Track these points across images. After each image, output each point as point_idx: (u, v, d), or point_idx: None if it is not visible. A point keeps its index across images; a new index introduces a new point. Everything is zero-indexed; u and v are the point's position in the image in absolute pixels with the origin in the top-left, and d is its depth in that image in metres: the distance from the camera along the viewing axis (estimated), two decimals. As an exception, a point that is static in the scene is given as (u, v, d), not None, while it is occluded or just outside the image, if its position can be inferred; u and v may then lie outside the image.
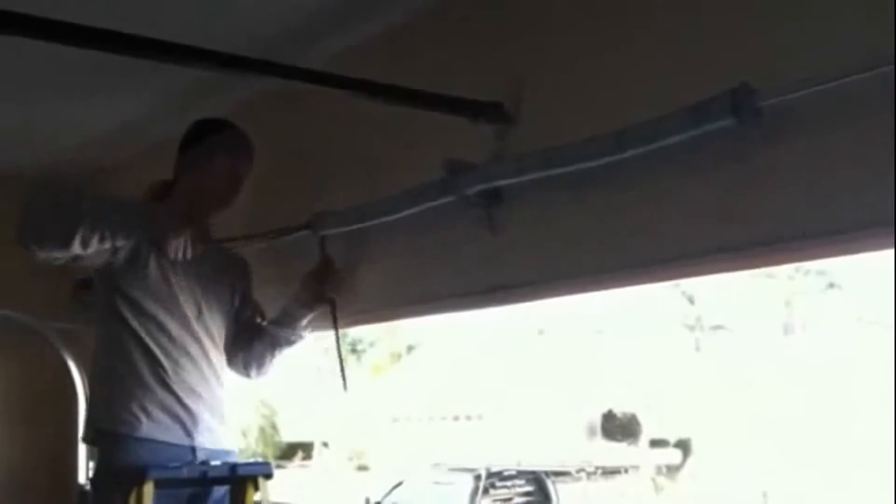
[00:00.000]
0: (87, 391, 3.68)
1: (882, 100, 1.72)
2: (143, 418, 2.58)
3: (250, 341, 2.87)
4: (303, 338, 2.88)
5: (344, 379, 2.93)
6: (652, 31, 2.18)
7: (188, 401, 2.64)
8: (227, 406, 2.79)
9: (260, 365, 2.88)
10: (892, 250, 1.83)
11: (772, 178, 1.94)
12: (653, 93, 2.11)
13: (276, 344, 2.87)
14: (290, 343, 2.87)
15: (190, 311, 2.70)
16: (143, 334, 2.63)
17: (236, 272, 2.91)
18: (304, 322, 2.85)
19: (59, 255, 2.50)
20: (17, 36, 1.92)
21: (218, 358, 2.78)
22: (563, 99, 2.34)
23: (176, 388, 2.63)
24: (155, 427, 2.59)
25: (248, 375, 2.90)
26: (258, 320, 2.93)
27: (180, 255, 2.61)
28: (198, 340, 2.71)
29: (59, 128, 3.71)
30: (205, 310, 2.74)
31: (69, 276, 3.22)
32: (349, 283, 2.86)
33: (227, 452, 2.74)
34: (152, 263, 2.64)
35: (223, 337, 2.82)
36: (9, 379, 4.20)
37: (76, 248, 2.45)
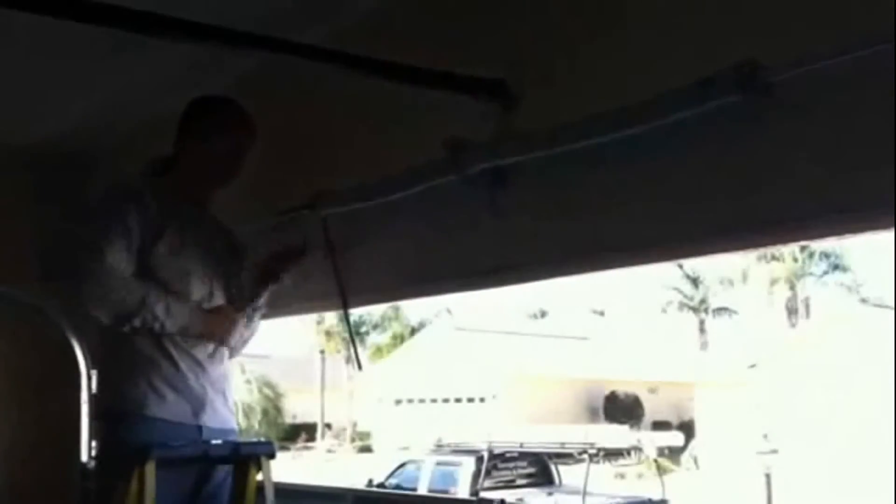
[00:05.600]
0: (93, 368, 3.67)
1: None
2: (152, 395, 2.57)
3: None
4: (254, 320, 2.85)
5: (358, 360, 2.96)
6: (657, 5, 2.15)
7: (195, 378, 2.63)
8: (230, 385, 2.78)
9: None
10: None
11: (779, 156, 1.91)
12: (659, 69, 2.08)
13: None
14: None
15: (199, 290, 2.67)
16: None
17: (241, 255, 2.88)
18: (259, 301, 2.82)
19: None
20: (20, 10, 1.89)
21: None
22: (567, 76, 2.31)
23: (183, 364, 2.61)
24: (163, 405, 2.57)
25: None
26: None
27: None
28: None
29: (60, 102, 3.68)
30: (215, 289, 2.72)
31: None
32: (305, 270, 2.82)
33: (231, 432, 2.74)
34: (163, 243, 2.61)
35: None
36: (10, 356, 4.19)
37: (125, 329, 2.55)
